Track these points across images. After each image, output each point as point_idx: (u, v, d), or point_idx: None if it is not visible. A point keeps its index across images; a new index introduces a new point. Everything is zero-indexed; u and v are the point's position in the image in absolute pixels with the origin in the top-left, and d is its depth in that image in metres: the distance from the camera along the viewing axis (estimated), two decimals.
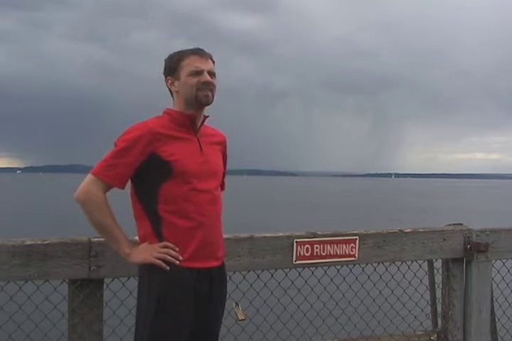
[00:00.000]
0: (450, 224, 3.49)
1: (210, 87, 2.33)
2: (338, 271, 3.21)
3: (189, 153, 2.31)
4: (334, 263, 3.08)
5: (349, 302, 3.39)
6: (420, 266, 3.40)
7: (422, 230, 3.33)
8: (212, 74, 2.35)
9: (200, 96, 2.31)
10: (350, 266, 3.21)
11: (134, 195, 2.33)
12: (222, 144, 2.52)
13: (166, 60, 2.40)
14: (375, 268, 3.27)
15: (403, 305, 3.48)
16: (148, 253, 2.24)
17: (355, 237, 3.08)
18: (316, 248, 2.97)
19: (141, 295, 2.31)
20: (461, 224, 3.48)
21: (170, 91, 2.41)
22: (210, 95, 2.34)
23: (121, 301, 2.76)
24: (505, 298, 3.80)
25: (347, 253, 3.05)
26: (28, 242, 2.42)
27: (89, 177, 2.25)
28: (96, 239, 2.51)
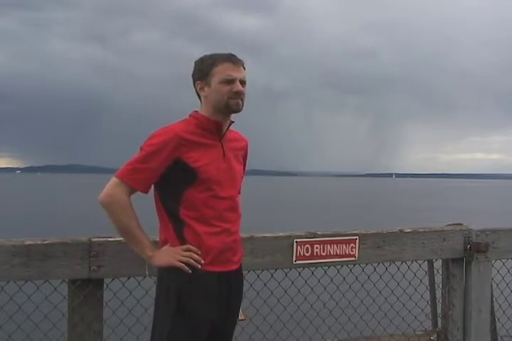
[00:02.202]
0: (450, 224, 3.49)
1: (241, 96, 2.32)
2: (338, 271, 3.21)
3: (213, 160, 2.31)
4: (334, 263, 3.08)
5: (349, 302, 3.39)
6: (420, 266, 3.40)
7: (422, 230, 3.33)
8: (243, 82, 2.33)
9: (232, 103, 2.30)
10: (350, 266, 3.21)
11: (158, 198, 2.34)
12: (244, 149, 2.53)
13: (196, 63, 2.37)
14: (375, 268, 3.27)
15: (403, 305, 3.48)
16: (171, 256, 2.24)
17: (355, 237, 3.08)
18: (316, 248, 2.97)
19: (159, 295, 2.30)
20: (461, 224, 3.48)
21: (197, 93, 2.39)
22: (241, 103, 2.33)
23: (121, 301, 2.76)
24: (505, 298, 3.79)
25: (347, 253, 3.05)
26: (28, 242, 2.41)
27: (113, 180, 2.25)
28: (96, 239, 2.51)
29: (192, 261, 2.23)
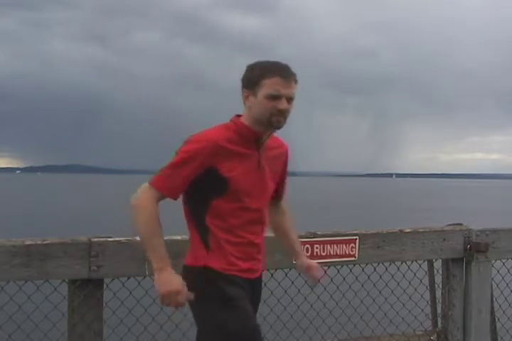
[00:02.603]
0: (450, 224, 3.49)
1: (285, 114, 2.26)
2: (338, 271, 3.21)
3: (247, 170, 2.27)
4: (334, 263, 3.08)
5: (349, 302, 3.39)
6: (420, 266, 3.40)
7: (422, 230, 3.33)
8: (290, 99, 2.26)
9: (273, 120, 2.25)
10: (350, 266, 3.21)
11: (186, 203, 2.32)
12: (284, 155, 2.48)
13: (247, 69, 2.30)
14: (375, 268, 3.27)
15: (403, 305, 3.48)
16: (169, 294, 2.16)
17: (355, 237, 3.08)
18: (316, 248, 2.97)
19: (202, 298, 2.24)
20: (461, 224, 3.49)
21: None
22: (283, 121, 2.27)
23: (121, 301, 2.76)
24: (505, 298, 3.79)
25: (347, 253, 3.05)
26: (28, 242, 2.42)
27: (145, 185, 2.23)
28: (96, 239, 2.52)
29: (174, 308, 2.22)
